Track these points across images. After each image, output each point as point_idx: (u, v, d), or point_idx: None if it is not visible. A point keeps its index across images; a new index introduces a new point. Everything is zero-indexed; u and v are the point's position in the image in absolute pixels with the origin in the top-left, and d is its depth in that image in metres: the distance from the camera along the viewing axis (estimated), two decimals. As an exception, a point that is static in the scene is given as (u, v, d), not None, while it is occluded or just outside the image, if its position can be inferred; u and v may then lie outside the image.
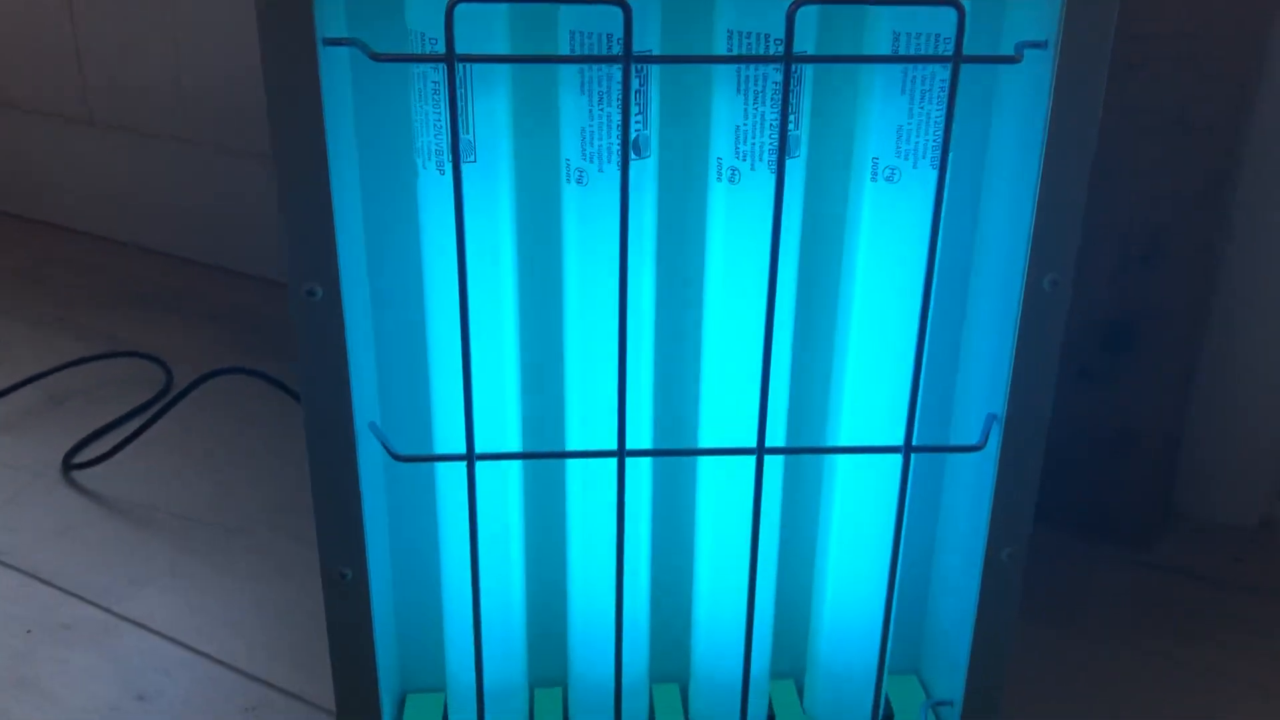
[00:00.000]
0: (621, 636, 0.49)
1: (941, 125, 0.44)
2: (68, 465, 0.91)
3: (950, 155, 0.44)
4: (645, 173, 0.45)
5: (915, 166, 0.45)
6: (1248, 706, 0.68)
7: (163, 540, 0.83)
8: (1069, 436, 0.83)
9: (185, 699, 0.68)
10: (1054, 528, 0.85)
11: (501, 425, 0.48)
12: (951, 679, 0.54)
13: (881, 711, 0.57)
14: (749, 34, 0.42)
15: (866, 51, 0.44)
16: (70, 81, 1.33)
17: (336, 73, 0.42)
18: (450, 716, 0.56)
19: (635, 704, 0.55)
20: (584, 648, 0.53)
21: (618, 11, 0.39)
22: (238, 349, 1.09)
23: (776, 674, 0.57)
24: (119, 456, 0.91)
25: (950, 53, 0.41)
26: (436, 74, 0.42)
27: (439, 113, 0.43)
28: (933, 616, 0.56)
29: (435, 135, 0.43)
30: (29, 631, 0.74)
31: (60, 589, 0.78)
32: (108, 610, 0.76)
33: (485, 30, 0.42)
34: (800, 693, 0.58)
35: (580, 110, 0.43)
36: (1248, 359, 0.82)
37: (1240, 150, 0.76)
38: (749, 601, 0.49)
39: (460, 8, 0.39)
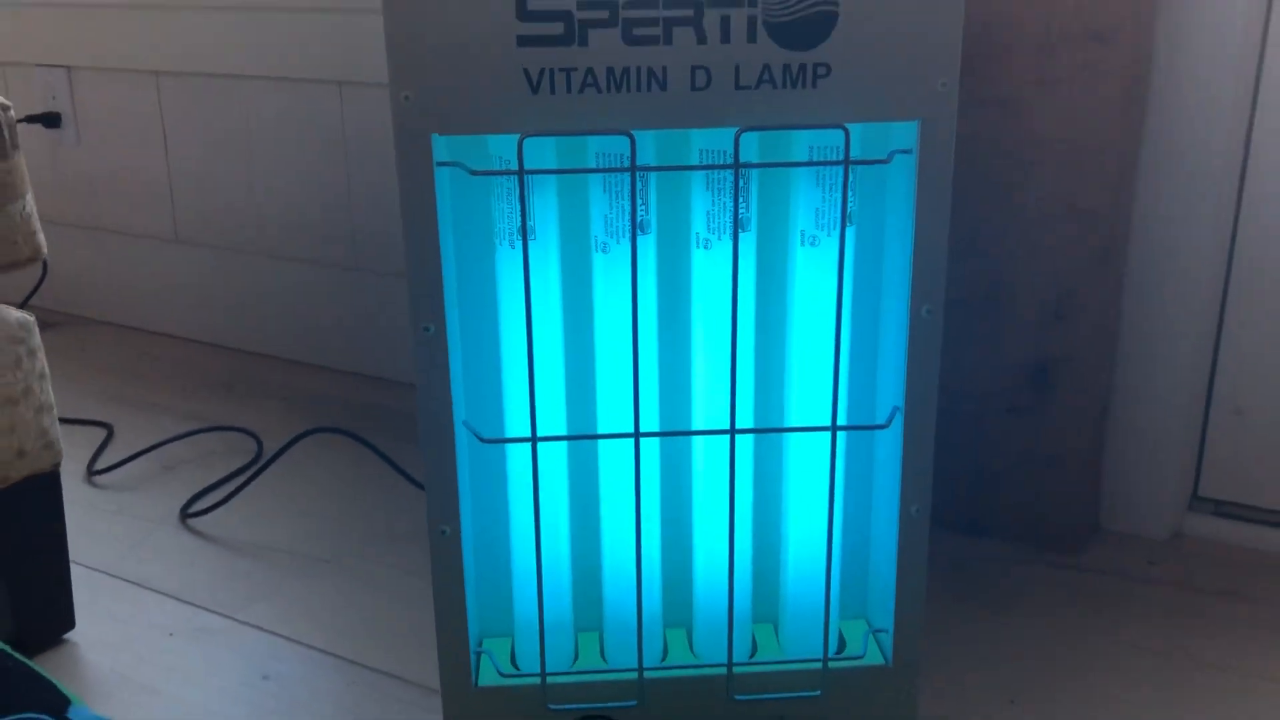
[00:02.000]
0: (641, 585, 0.72)
1: (847, 205, 0.68)
2: (184, 515, 1.15)
3: (852, 226, 0.68)
4: (648, 244, 0.69)
5: (830, 234, 0.69)
6: (1160, 676, 0.88)
7: (268, 567, 1.06)
8: (1005, 462, 1.05)
9: (300, 678, 0.90)
10: (996, 538, 1.07)
11: (554, 417, 0.71)
12: (884, 612, 0.75)
13: (836, 643, 0.78)
14: (713, 150, 0.67)
15: (792, 159, 0.68)
16: (162, 206, 1.61)
17: (444, 182, 0.67)
18: (517, 653, 0.77)
19: (653, 645, 0.77)
20: (614, 598, 0.75)
21: (627, 139, 0.64)
22: (310, 420, 1.33)
23: (758, 619, 0.79)
24: (228, 506, 1.14)
25: (845, 157, 0.66)
26: (509, 182, 0.67)
27: (511, 207, 0.67)
28: (872, 565, 0.78)
29: (508, 221, 0.68)
30: (170, 635, 0.96)
31: (190, 603, 1.00)
32: (231, 618, 0.98)
33: (540, 152, 0.67)
34: (776, 632, 0.79)
35: (603, 202, 0.68)
36: (1154, 393, 1.04)
37: (1124, 228, 1.00)
38: (729, 558, 0.71)
39: (525, 140, 0.64)
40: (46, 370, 0.90)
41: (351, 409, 1.39)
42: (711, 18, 0.63)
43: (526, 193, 0.67)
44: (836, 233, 0.69)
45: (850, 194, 0.68)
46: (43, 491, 0.92)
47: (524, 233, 0.66)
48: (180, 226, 1.61)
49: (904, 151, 0.67)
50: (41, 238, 0.90)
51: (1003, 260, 1.01)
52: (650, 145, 0.68)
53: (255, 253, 1.54)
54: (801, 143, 0.68)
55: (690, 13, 0.62)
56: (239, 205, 1.53)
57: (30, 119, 1.64)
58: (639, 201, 0.67)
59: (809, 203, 0.69)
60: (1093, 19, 0.92)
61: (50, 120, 1.67)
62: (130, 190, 1.64)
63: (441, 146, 0.66)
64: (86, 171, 1.67)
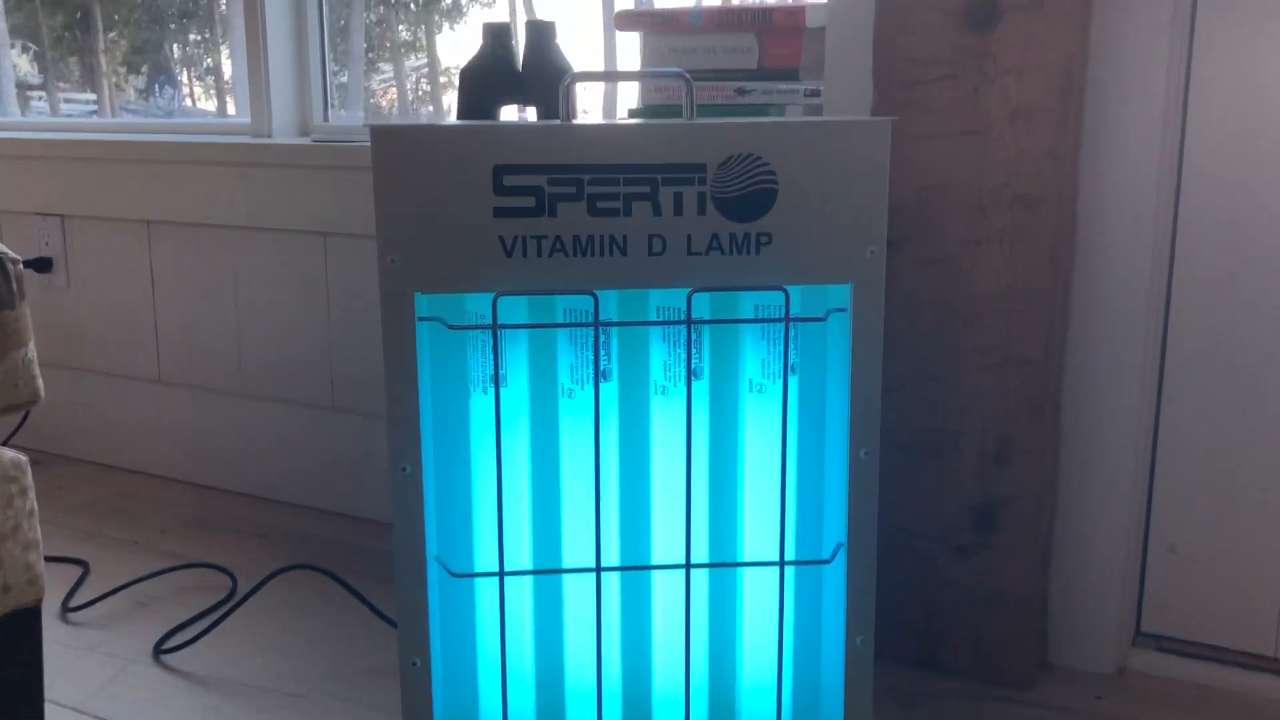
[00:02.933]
0: (602, 712, 0.76)
1: (790, 356, 0.75)
2: (158, 651, 1.18)
3: (795, 375, 0.76)
4: (610, 390, 0.77)
5: (775, 382, 0.76)
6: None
7: (241, 704, 1.09)
8: (954, 601, 1.11)
9: (269, 810, 0.93)
10: (948, 673, 1.12)
11: (520, 551, 0.77)
12: (834, 738, 0.80)
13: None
14: (669, 307, 0.75)
15: (739, 315, 0.76)
16: (147, 348, 1.68)
17: (424, 335, 0.75)
18: (481, 782, 0.81)
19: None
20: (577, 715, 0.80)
21: (591, 297, 0.72)
22: (285, 557, 1.37)
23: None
24: (201, 643, 1.18)
25: (786, 315, 0.74)
26: (484, 335, 0.74)
27: (485, 357, 0.75)
28: (822, 692, 0.83)
29: (482, 370, 0.75)
30: (141, 768, 0.98)
31: (161, 740, 1.03)
32: (201, 752, 1.01)
33: (513, 309, 0.75)
34: (732, 760, 0.84)
35: (569, 353, 0.75)
36: (1094, 533, 1.11)
37: (1058, 376, 1.09)
38: (685, 687, 0.77)
39: (499, 299, 0.71)
40: (35, 508, 0.95)
41: (325, 546, 1.44)
42: (666, 193, 0.71)
43: (500, 345, 0.75)
44: (780, 381, 0.76)
45: (792, 347, 0.76)
46: (24, 626, 0.96)
47: (496, 380, 0.73)
48: (164, 368, 1.67)
49: (839, 310, 0.75)
50: (40, 382, 0.96)
51: (946, 407, 1.09)
52: (613, 302, 0.76)
53: (236, 394, 1.61)
54: (747, 301, 0.76)
55: (648, 189, 0.71)
56: (222, 348, 1.61)
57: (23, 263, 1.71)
58: (602, 353, 0.75)
59: (755, 354, 0.76)
60: (1021, 187, 1.03)
61: (42, 264, 1.75)
62: (116, 333, 1.71)
63: (422, 303, 0.74)
64: (75, 314, 1.75)
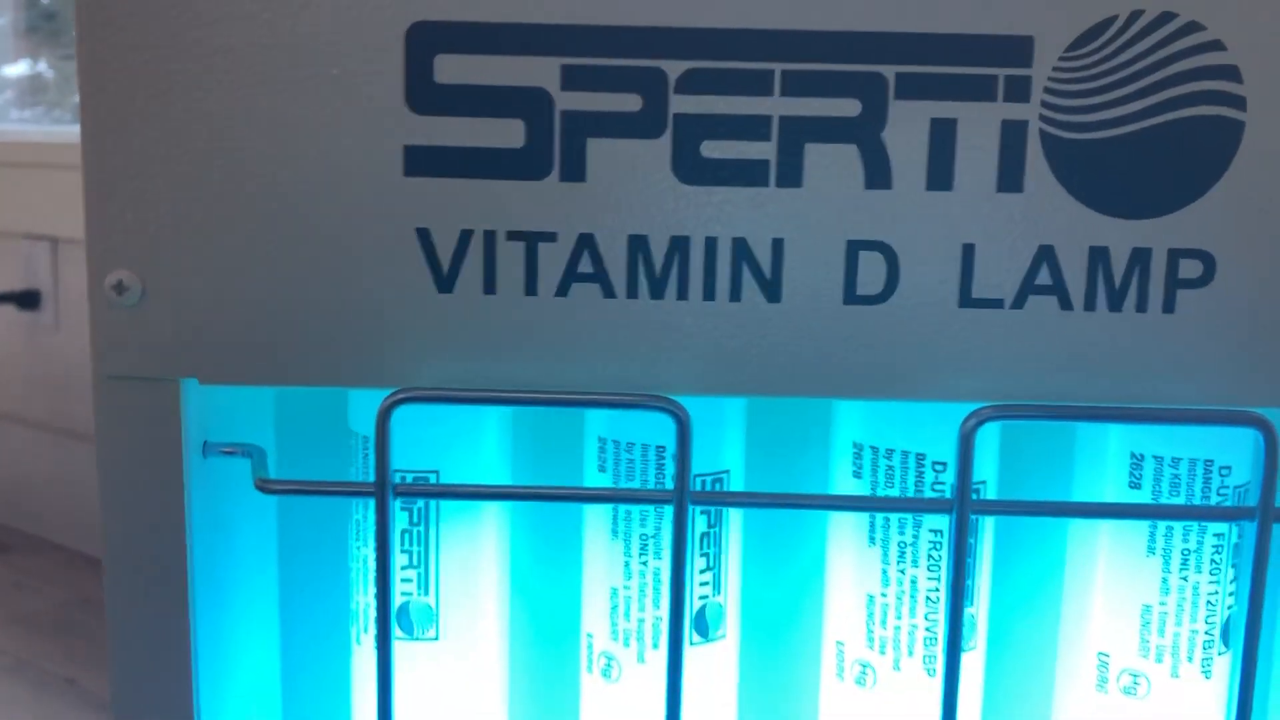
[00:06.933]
0: None
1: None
2: None
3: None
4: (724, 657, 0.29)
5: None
6: None
7: None
8: None
9: None
10: None
11: None
12: None
13: None
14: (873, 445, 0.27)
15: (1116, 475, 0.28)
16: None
17: (225, 493, 0.28)
18: None
19: None
20: None
21: (666, 415, 0.25)
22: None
23: None
24: None
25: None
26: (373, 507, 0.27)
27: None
28: None
29: (372, 590, 0.28)
30: None
31: None
32: None
33: (463, 435, 0.28)
34: None
35: (609, 555, 0.28)
36: None
37: None
38: None
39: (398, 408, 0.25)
40: None
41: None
42: (908, 125, 0.24)
43: (418, 529, 0.28)
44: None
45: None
46: None
47: (384, 619, 0.26)
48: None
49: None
50: None
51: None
52: (709, 422, 0.29)
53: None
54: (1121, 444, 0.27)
55: (859, 112, 0.24)
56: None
57: (2, 298, 1.37)
58: (706, 564, 0.27)
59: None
60: None
61: (26, 299, 1.38)
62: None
63: (210, 410, 0.28)
64: (63, 361, 1.38)
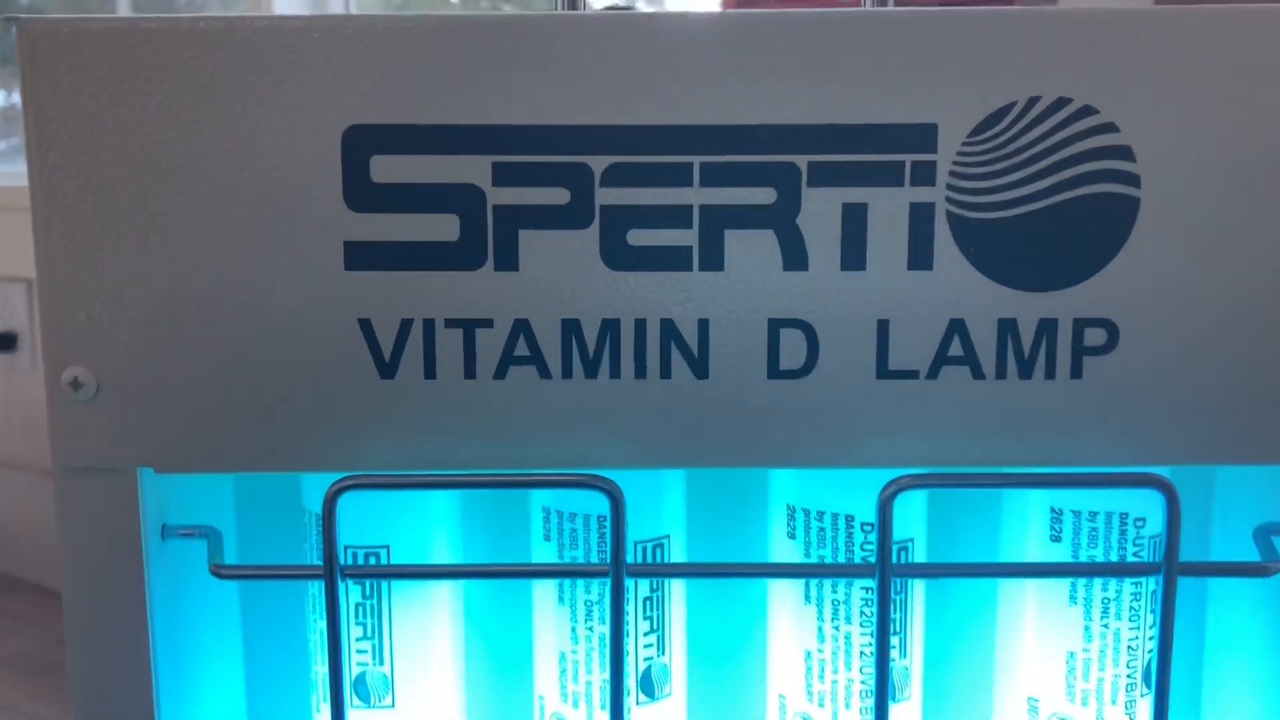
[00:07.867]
0: None
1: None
2: None
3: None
4: None
5: None
6: None
7: None
8: None
9: None
10: None
11: None
12: None
13: None
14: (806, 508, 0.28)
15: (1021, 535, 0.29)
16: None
17: (179, 580, 0.30)
18: None
19: None
20: None
21: (601, 495, 0.26)
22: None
23: None
24: None
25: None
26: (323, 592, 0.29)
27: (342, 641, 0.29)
28: None
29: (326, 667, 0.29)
30: None
31: None
32: None
33: (403, 517, 0.29)
34: None
35: (560, 634, 0.29)
36: None
37: None
38: None
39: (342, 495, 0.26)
40: None
41: None
42: (821, 213, 0.25)
43: (375, 603, 0.29)
44: None
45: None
46: None
47: (335, 690, 0.28)
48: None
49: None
50: None
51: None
52: (658, 500, 0.30)
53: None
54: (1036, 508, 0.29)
55: (773, 197, 0.25)
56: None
57: (-27, 340, 1.36)
58: (654, 636, 0.29)
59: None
60: None
61: (4, 341, 1.38)
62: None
63: (166, 497, 0.29)
64: (41, 404, 1.37)
